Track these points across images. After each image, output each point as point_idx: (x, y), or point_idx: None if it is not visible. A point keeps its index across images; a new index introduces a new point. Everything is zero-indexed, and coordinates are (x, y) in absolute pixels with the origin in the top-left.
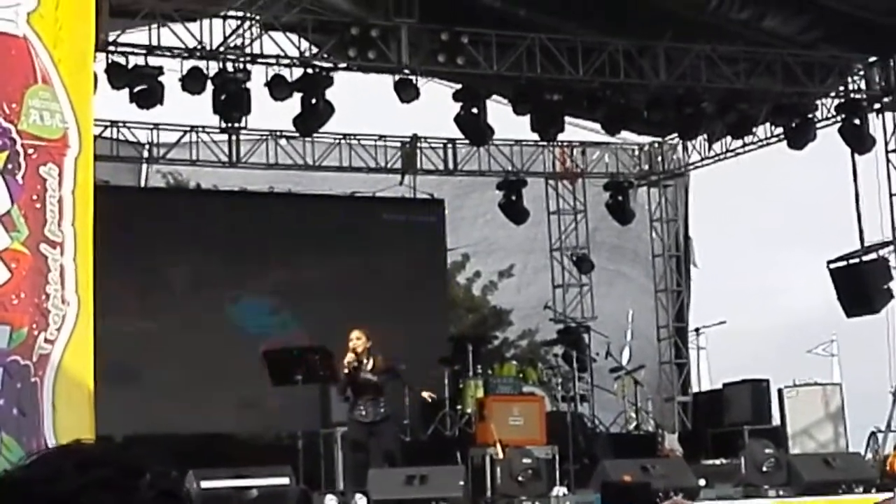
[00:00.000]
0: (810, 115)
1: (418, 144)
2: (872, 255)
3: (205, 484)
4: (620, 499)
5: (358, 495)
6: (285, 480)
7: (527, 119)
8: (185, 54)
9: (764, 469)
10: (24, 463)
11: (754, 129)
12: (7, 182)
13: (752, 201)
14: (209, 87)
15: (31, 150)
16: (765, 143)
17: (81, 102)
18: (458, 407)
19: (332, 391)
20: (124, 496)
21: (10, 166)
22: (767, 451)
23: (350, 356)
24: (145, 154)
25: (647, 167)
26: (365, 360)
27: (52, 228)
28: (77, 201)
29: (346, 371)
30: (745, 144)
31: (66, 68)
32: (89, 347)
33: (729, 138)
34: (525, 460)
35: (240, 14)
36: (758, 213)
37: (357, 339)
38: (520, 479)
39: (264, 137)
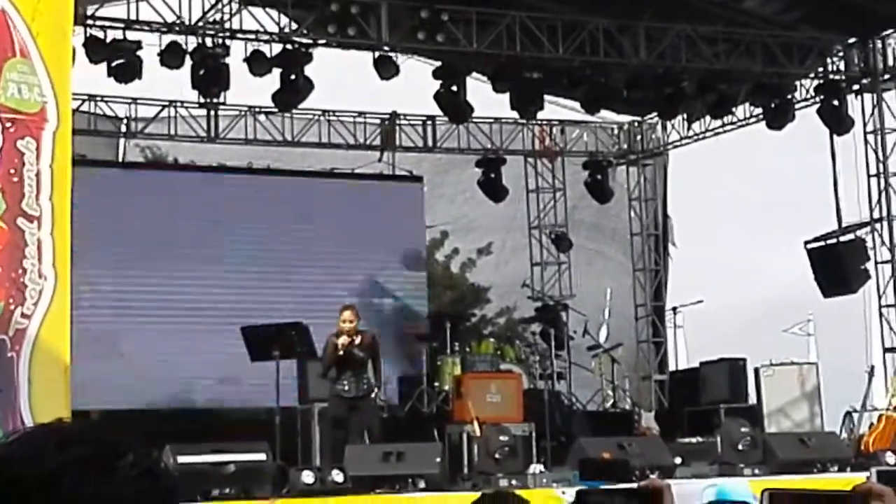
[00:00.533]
0: (789, 96)
1: (397, 121)
2: (850, 236)
3: (181, 459)
4: (598, 476)
5: (335, 471)
6: (262, 456)
7: (506, 97)
8: (164, 29)
9: (740, 447)
10: (5, 442)
11: (733, 110)
12: None
13: (730, 181)
14: (188, 61)
15: (8, 124)
16: (744, 123)
17: (60, 76)
18: (436, 384)
19: (309, 367)
20: (105, 475)
21: None
22: (743, 429)
23: (344, 339)
24: (123, 128)
25: (626, 146)
26: (356, 338)
27: (30, 202)
28: (55, 175)
29: (340, 353)
30: (724, 124)
31: (45, 42)
32: (66, 322)
33: (708, 118)
34: (502, 437)
35: None
36: (736, 193)
37: (350, 323)
38: (497, 456)
39: (243, 113)
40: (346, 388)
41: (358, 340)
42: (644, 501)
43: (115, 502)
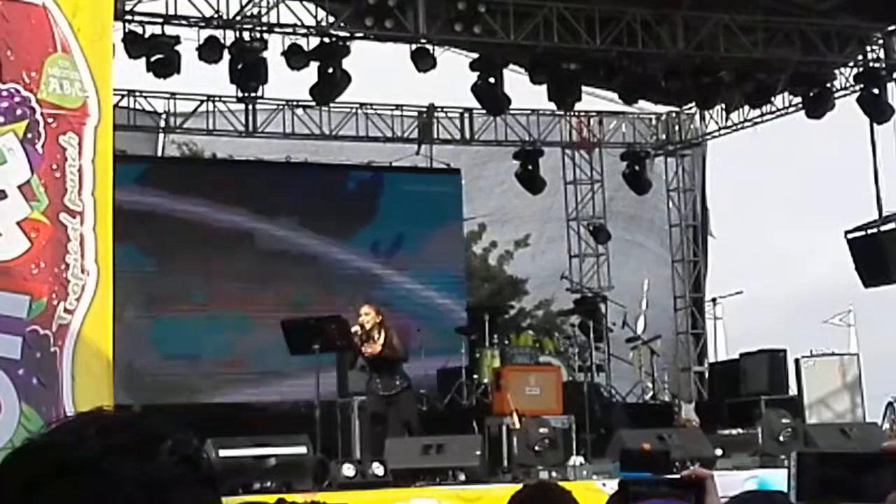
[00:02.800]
0: (829, 85)
1: (435, 114)
2: (891, 225)
3: (223, 452)
4: (639, 467)
5: (375, 464)
6: (303, 449)
7: (544, 88)
8: (202, 23)
9: (781, 439)
10: (46, 430)
11: (772, 99)
12: (27, 151)
13: (769, 171)
14: (226, 56)
15: (50, 119)
16: (783, 112)
17: (101, 71)
18: (475, 376)
19: (349, 364)
20: (145, 462)
21: (29, 135)
22: (784, 420)
23: (355, 329)
24: (162, 123)
25: (664, 137)
26: (376, 335)
27: (72, 198)
28: (97, 170)
29: (356, 343)
30: (762, 114)
31: (86, 37)
32: (108, 317)
33: (747, 108)
34: (542, 430)
35: None
36: (775, 182)
37: (365, 315)
38: (536, 448)
39: (281, 107)
40: (380, 386)
41: (381, 338)
42: (688, 491)
43: (154, 487)
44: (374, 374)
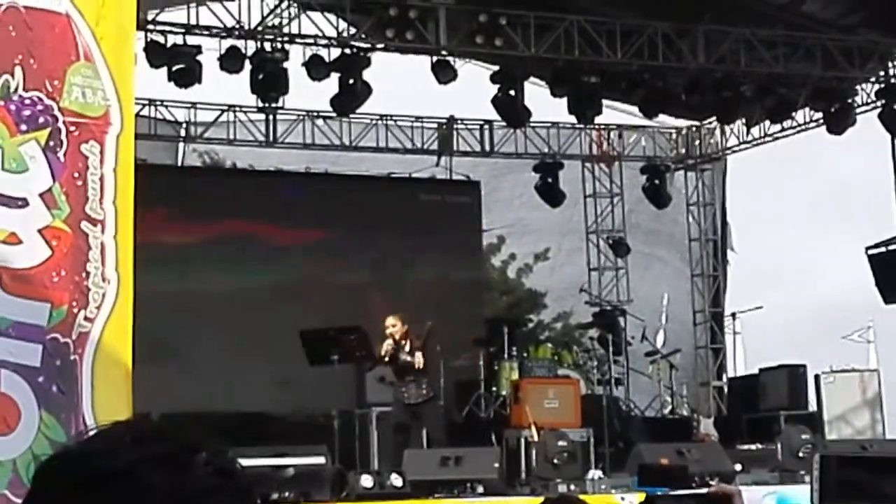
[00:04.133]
0: (850, 100)
1: (455, 126)
2: None
3: (242, 462)
4: (658, 482)
5: (393, 475)
6: (321, 460)
7: (564, 101)
8: (224, 33)
9: (800, 454)
10: (82, 438)
11: (793, 114)
12: (49, 159)
13: (790, 186)
14: (247, 66)
15: (72, 128)
16: (804, 127)
17: (123, 80)
18: (493, 389)
19: (367, 372)
20: (180, 472)
21: (51, 143)
22: (804, 436)
23: (389, 343)
24: (182, 133)
25: (684, 151)
26: (405, 344)
27: (94, 206)
28: (118, 179)
29: (385, 359)
30: (783, 129)
31: (108, 45)
32: (128, 325)
33: (767, 122)
34: (560, 443)
35: None
36: (796, 198)
37: (393, 327)
38: (555, 461)
39: (301, 117)
40: (406, 395)
41: (408, 346)
42: None
43: (189, 498)
44: (401, 383)
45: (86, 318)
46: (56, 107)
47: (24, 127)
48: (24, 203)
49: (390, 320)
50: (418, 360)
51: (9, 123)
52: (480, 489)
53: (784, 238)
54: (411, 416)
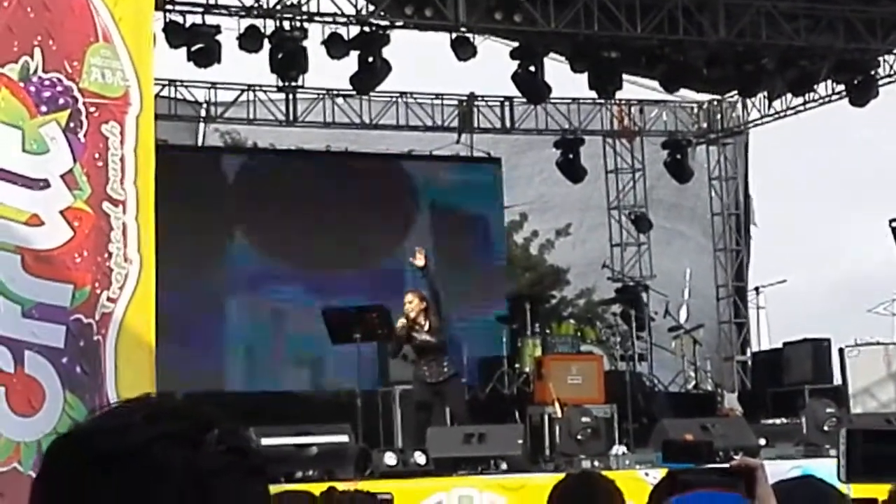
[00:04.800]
0: (872, 72)
1: (475, 103)
2: None
3: (265, 441)
4: (682, 457)
5: (417, 453)
6: (345, 438)
7: (584, 77)
8: (243, 13)
9: (825, 428)
10: (94, 415)
11: (815, 87)
12: (69, 140)
13: (813, 159)
14: (266, 45)
15: (92, 109)
16: (826, 100)
17: (142, 60)
18: (517, 365)
19: (389, 353)
20: (193, 450)
21: (72, 125)
22: (828, 410)
23: (402, 321)
24: (203, 113)
25: (705, 125)
26: (422, 322)
27: (115, 187)
28: (139, 160)
29: (399, 335)
30: (805, 102)
31: (127, 26)
32: (151, 306)
33: (789, 95)
34: (584, 419)
35: None
36: (819, 171)
37: (409, 303)
38: (579, 437)
39: (321, 96)
40: (427, 373)
41: (427, 325)
42: (737, 480)
43: (201, 475)
44: (422, 361)
45: (108, 299)
46: (76, 88)
47: (44, 108)
48: (45, 184)
49: (407, 297)
50: (437, 337)
51: (29, 105)
52: (504, 466)
53: (807, 211)
54: (433, 394)
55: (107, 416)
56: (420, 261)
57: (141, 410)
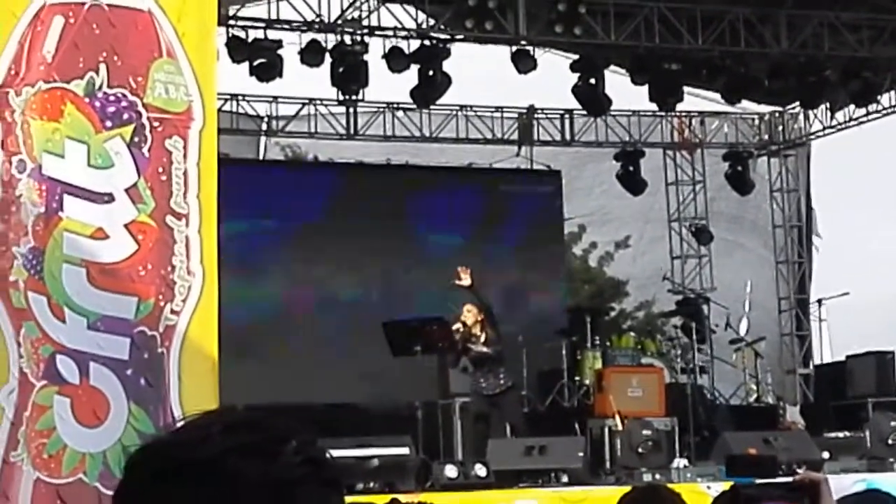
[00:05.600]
0: None
1: (535, 115)
2: None
3: None
4: (747, 471)
5: (477, 465)
6: (405, 450)
7: (645, 89)
8: (304, 27)
9: (889, 442)
10: (172, 428)
11: (878, 98)
12: (134, 155)
13: (875, 171)
14: (327, 59)
15: (156, 123)
16: (889, 111)
17: (205, 76)
18: (577, 378)
19: (450, 365)
20: (269, 461)
21: (136, 139)
22: (893, 423)
23: (457, 325)
24: (264, 127)
25: (767, 137)
26: (478, 333)
27: (178, 200)
28: (201, 174)
29: (458, 347)
30: (868, 113)
31: (190, 42)
32: (214, 318)
33: (852, 107)
34: (645, 432)
35: None
36: (882, 183)
37: (468, 312)
38: (640, 450)
39: (381, 109)
40: (484, 385)
41: (483, 337)
42: (801, 495)
43: (277, 487)
44: (479, 373)
45: (172, 312)
46: (140, 103)
47: (108, 123)
48: (110, 198)
49: (467, 307)
50: (493, 348)
51: (94, 120)
52: (565, 478)
53: (870, 223)
54: (490, 406)
55: (184, 429)
56: (466, 280)
57: (218, 422)
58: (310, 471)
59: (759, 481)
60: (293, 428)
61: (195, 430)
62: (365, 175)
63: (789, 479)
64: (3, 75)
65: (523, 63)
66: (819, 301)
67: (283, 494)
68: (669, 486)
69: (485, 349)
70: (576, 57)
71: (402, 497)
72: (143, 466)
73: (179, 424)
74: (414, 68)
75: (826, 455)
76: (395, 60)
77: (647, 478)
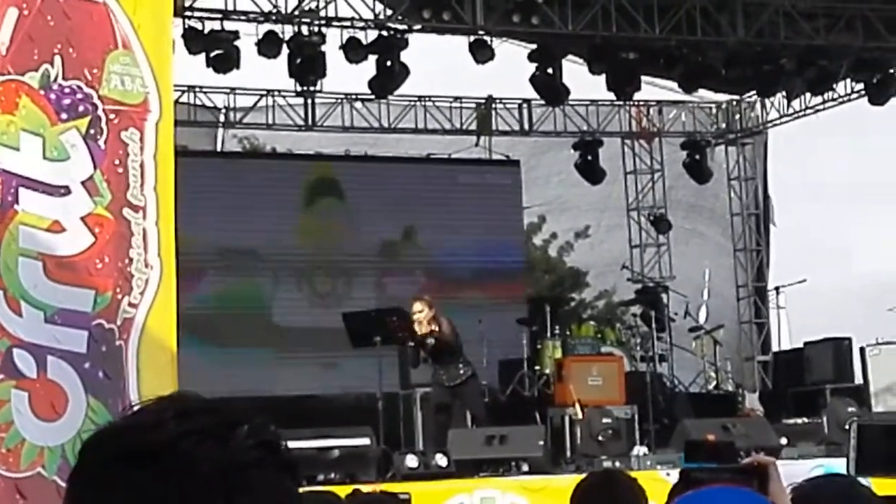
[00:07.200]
0: (892, 70)
1: (493, 105)
2: None
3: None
4: (705, 457)
5: (438, 455)
6: (366, 441)
7: (602, 78)
8: (261, 18)
9: (846, 427)
10: (127, 413)
11: (834, 86)
12: (90, 147)
13: (832, 159)
14: (284, 50)
15: (112, 116)
16: (845, 99)
17: (161, 67)
18: (537, 367)
19: (410, 353)
20: (222, 445)
21: (92, 131)
22: (850, 409)
23: (416, 328)
24: (222, 118)
25: (724, 125)
26: (434, 327)
27: (135, 193)
28: (158, 166)
29: (411, 344)
30: (824, 101)
31: (146, 33)
32: (172, 311)
33: (808, 95)
34: (605, 420)
35: None
36: (838, 170)
37: (419, 313)
38: (600, 438)
39: (340, 100)
40: (444, 376)
41: (436, 328)
42: (750, 479)
43: (231, 470)
44: (438, 365)
45: (130, 304)
46: (96, 95)
47: (64, 115)
48: (66, 191)
49: (416, 306)
50: (450, 339)
51: (49, 112)
52: (525, 467)
53: (827, 211)
54: (451, 396)
55: (138, 414)
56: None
57: (172, 408)
58: (264, 454)
59: (707, 466)
60: (247, 412)
61: (148, 415)
62: (324, 166)
63: (739, 463)
64: None
65: (481, 53)
66: (777, 289)
67: (236, 478)
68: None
69: (436, 342)
70: (533, 46)
71: (363, 487)
72: (97, 451)
73: (133, 410)
74: (372, 59)
75: (784, 441)
76: (353, 51)
77: (607, 465)
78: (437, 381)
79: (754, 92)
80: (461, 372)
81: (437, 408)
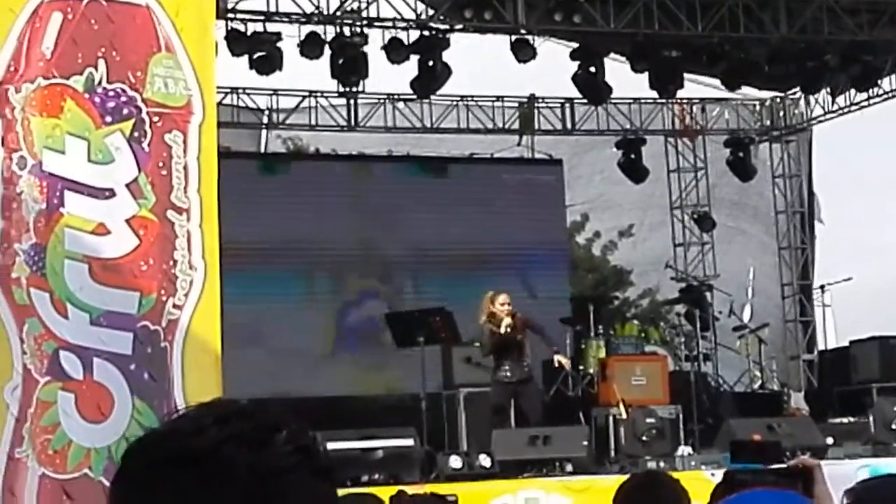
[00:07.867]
0: None
1: (536, 104)
2: None
3: (331, 445)
4: (751, 457)
5: (482, 455)
6: (410, 442)
7: (645, 76)
8: (303, 19)
9: (893, 427)
10: (168, 419)
11: (879, 82)
12: (134, 150)
13: (878, 155)
14: (327, 51)
15: (156, 118)
16: (890, 95)
17: (204, 70)
18: (581, 367)
19: (454, 353)
20: (261, 450)
21: (136, 134)
22: None
23: (507, 321)
24: (265, 120)
25: (768, 122)
26: (516, 323)
27: (179, 195)
28: (202, 168)
29: (502, 334)
30: (869, 97)
31: (189, 36)
32: (216, 312)
33: (853, 91)
34: (649, 420)
35: None
36: (884, 167)
37: (507, 304)
38: (644, 438)
39: (382, 101)
40: (509, 373)
41: (513, 324)
42: (795, 480)
43: (269, 475)
44: (503, 361)
45: (174, 306)
46: (139, 98)
47: (108, 119)
48: (111, 194)
49: (502, 297)
50: (520, 337)
51: (94, 116)
52: (569, 468)
53: (873, 207)
54: (511, 396)
55: (179, 420)
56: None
57: (212, 413)
58: (301, 459)
59: (752, 467)
60: (284, 417)
61: (189, 422)
62: (367, 166)
63: (784, 465)
64: (2, 72)
65: (523, 52)
66: (822, 287)
67: (274, 483)
68: (673, 473)
69: (519, 337)
70: (575, 45)
71: (407, 488)
72: (141, 454)
73: (174, 416)
74: (414, 59)
75: (830, 441)
76: (395, 51)
77: (651, 466)
78: (497, 379)
79: (798, 88)
80: (525, 369)
81: (495, 409)
